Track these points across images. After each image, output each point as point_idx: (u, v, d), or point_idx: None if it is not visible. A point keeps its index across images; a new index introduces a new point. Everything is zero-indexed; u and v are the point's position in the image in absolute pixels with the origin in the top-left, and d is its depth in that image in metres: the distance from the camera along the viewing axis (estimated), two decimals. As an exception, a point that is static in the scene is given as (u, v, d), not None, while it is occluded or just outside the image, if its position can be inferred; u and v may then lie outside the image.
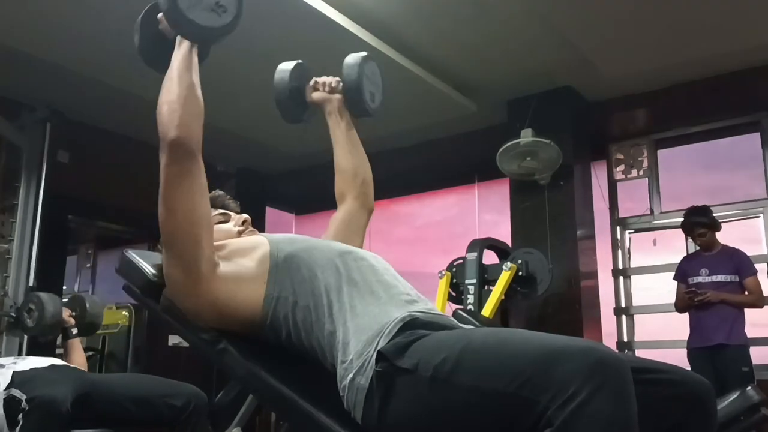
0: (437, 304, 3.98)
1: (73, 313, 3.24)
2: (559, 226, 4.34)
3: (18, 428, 2.19)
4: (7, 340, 3.87)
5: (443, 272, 4.09)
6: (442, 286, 4.06)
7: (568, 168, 4.36)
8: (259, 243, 1.47)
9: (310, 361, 1.37)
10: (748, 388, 1.86)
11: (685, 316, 4.02)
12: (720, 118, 4.53)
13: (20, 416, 2.20)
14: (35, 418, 2.19)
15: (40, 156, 4.13)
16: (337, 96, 1.86)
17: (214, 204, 1.66)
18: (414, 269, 5.21)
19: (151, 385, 2.55)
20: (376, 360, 1.20)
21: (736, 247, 3.98)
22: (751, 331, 3.85)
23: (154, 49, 1.62)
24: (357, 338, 1.26)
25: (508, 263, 3.86)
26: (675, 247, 4.54)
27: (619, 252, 4.83)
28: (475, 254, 3.99)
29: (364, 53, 1.85)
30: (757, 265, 3.93)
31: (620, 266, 4.80)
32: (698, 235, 3.98)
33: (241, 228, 1.62)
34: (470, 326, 1.45)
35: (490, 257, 4.17)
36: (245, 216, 1.66)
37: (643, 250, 4.81)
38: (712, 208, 4.05)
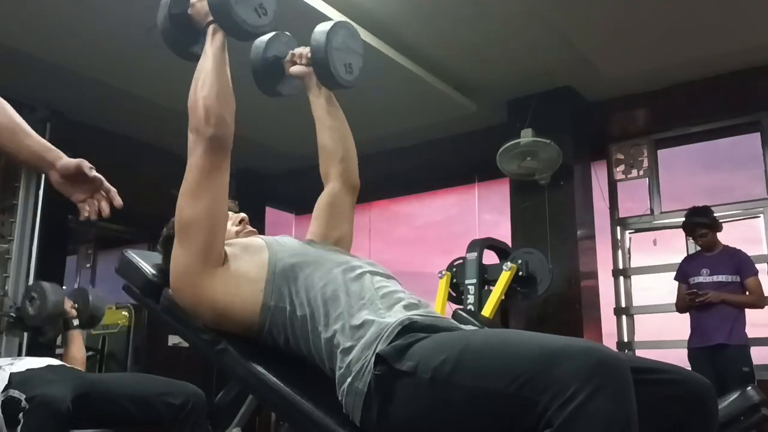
0: (437, 304, 3.98)
1: (75, 305, 3.24)
2: (559, 226, 4.34)
3: (19, 428, 2.19)
4: (7, 341, 3.86)
5: (443, 272, 4.09)
6: (442, 286, 4.06)
7: (568, 168, 4.36)
8: (260, 248, 1.46)
9: (310, 362, 1.37)
10: (749, 388, 1.86)
11: (685, 316, 4.01)
12: (720, 118, 4.53)
13: (21, 416, 2.19)
14: (36, 418, 2.18)
15: (40, 156, 4.12)
16: (310, 69, 1.77)
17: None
18: (414, 269, 5.20)
19: (150, 385, 2.54)
20: (375, 363, 1.19)
21: (737, 248, 3.98)
22: (751, 331, 3.84)
23: (176, 30, 1.61)
24: (355, 343, 1.26)
25: (508, 263, 3.86)
26: (675, 247, 4.53)
27: (619, 252, 4.83)
28: (475, 254, 3.98)
29: (333, 21, 1.79)
30: (757, 265, 3.93)
31: (620, 266, 4.80)
32: (699, 235, 3.98)
33: (239, 228, 1.62)
34: (470, 327, 1.45)
35: (490, 257, 4.17)
36: (243, 215, 1.66)
37: (643, 250, 4.81)
38: (712, 208, 4.05)
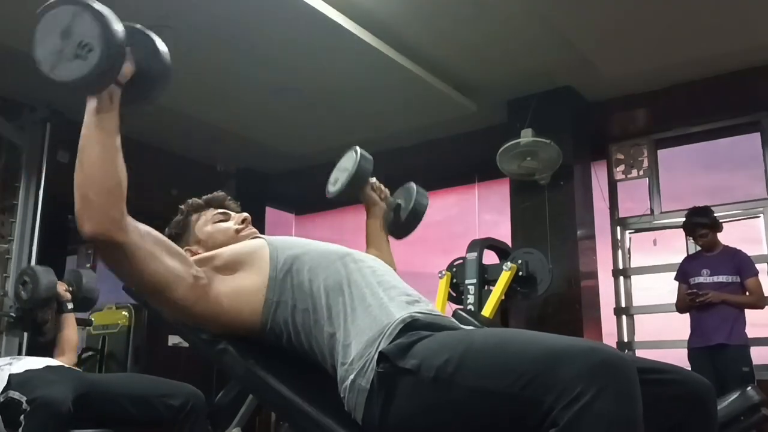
0: (437, 304, 3.97)
1: (70, 288, 3.21)
2: (559, 226, 4.34)
3: (20, 429, 2.19)
4: (7, 341, 3.87)
5: (443, 272, 4.09)
6: (442, 286, 4.05)
7: (568, 168, 4.36)
8: (258, 247, 1.45)
9: (311, 362, 1.37)
10: (748, 388, 1.86)
11: (685, 316, 4.01)
12: (720, 118, 4.52)
13: (22, 417, 2.19)
14: (37, 419, 2.18)
15: (40, 156, 4.13)
16: (383, 205, 1.95)
17: (214, 204, 1.65)
18: (414, 269, 5.20)
19: (149, 385, 2.54)
20: (378, 361, 1.19)
21: (738, 248, 3.98)
22: (751, 331, 3.84)
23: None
24: (358, 340, 1.25)
25: (508, 263, 3.86)
26: (675, 247, 4.53)
27: (619, 252, 4.82)
28: (475, 254, 3.98)
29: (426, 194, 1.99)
30: (757, 266, 3.93)
31: (620, 266, 4.80)
32: (700, 236, 3.98)
33: (241, 227, 1.61)
34: (471, 327, 1.45)
35: (490, 257, 4.16)
36: (245, 215, 1.65)
37: (643, 250, 4.81)
38: (712, 208, 4.05)
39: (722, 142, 4.64)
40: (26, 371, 2.39)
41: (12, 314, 3.69)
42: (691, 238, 4.19)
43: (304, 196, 6.13)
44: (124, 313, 4.98)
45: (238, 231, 1.59)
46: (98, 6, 1.18)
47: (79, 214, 1.18)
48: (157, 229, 1.36)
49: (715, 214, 4.03)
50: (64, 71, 1.16)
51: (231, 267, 1.40)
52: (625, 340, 4.64)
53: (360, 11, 3.61)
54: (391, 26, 3.78)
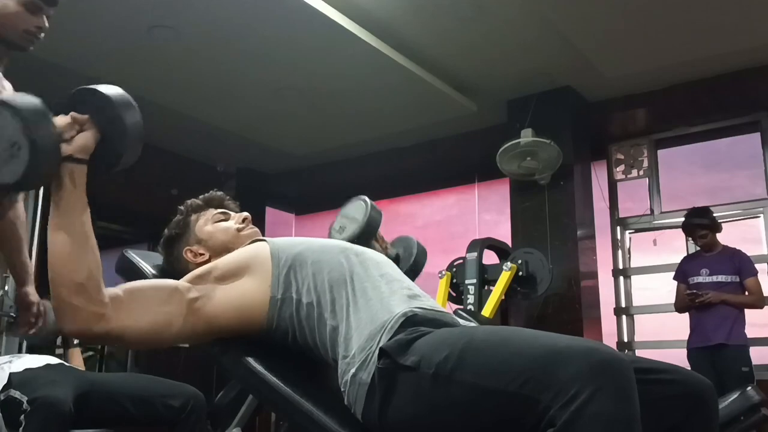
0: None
1: None
2: (559, 226, 4.34)
3: (21, 429, 2.18)
4: (7, 340, 3.86)
5: (443, 272, 4.09)
6: (442, 286, 4.05)
7: (568, 168, 4.36)
8: (257, 249, 1.44)
9: (312, 360, 1.37)
10: (748, 388, 1.86)
11: (685, 316, 4.02)
12: (720, 118, 4.53)
13: (22, 417, 2.19)
14: (38, 419, 2.18)
15: (40, 156, 4.12)
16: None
17: (214, 204, 1.65)
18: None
19: (150, 385, 2.54)
20: (378, 356, 1.20)
21: (737, 248, 3.98)
22: (751, 331, 3.85)
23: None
24: (359, 333, 1.26)
25: (508, 263, 3.86)
26: (675, 247, 4.53)
27: (619, 252, 4.83)
28: (475, 254, 3.98)
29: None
30: (757, 266, 3.93)
31: (620, 266, 4.80)
32: (699, 236, 3.98)
33: (242, 226, 1.61)
34: (472, 323, 1.45)
35: (490, 257, 4.16)
36: (245, 214, 1.65)
37: (643, 250, 4.81)
38: (712, 208, 4.05)
39: (722, 142, 4.65)
40: (26, 370, 2.39)
41: (12, 314, 3.68)
42: (690, 238, 4.19)
43: (304, 196, 6.13)
44: None
45: (239, 230, 1.59)
46: (19, 101, 1.11)
47: (57, 315, 1.14)
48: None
49: (715, 214, 4.03)
50: (6, 174, 1.10)
51: (232, 274, 1.39)
52: (625, 340, 4.65)
53: (360, 11, 3.61)
54: (391, 26, 3.78)
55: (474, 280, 3.91)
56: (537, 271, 3.89)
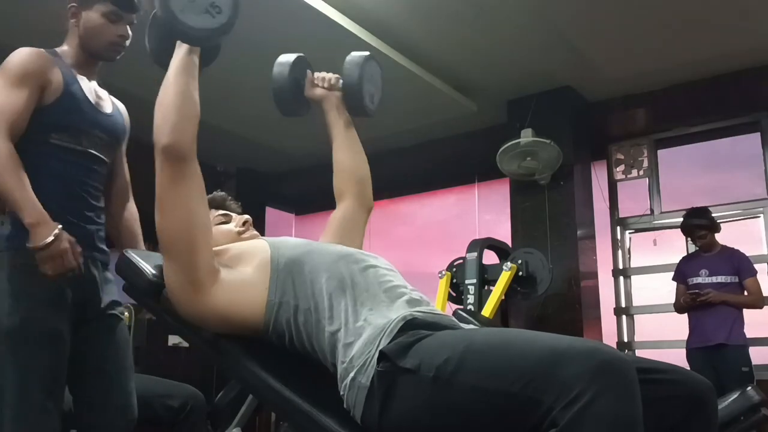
0: (437, 304, 3.98)
1: None
2: (559, 226, 4.34)
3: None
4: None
5: (443, 272, 4.09)
6: (442, 286, 4.05)
7: (568, 168, 4.36)
8: (260, 248, 1.46)
9: (311, 362, 1.37)
10: (748, 388, 1.86)
11: (685, 316, 4.01)
12: (720, 118, 4.52)
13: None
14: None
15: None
16: (336, 93, 1.81)
17: (215, 205, 1.65)
18: (414, 269, 5.20)
19: (149, 385, 2.53)
20: (378, 360, 1.19)
21: (736, 248, 3.98)
22: (750, 331, 3.84)
23: (165, 52, 1.57)
24: (358, 338, 1.26)
25: (508, 263, 3.86)
26: (675, 247, 4.53)
27: (619, 252, 4.83)
28: (475, 254, 3.98)
29: (367, 53, 1.82)
30: (757, 266, 3.93)
31: (620, 266, 4.80)
32: (698, 237, 3.98)
33: (242, 229, 1.61)
34: (472, 326, 1.45)
35: (490, 257, 4.17)
36: (246, 217, 1.65)
37: (643, 250, 4.81)
38: (711, 209, 4.05)
39: (722, 142, 4.64)
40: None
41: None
42: (690, 239, 4.19)
43: (304, 196, 6.13)
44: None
45: (239, 233, 1.60)
46: None
47: (158, 129, 1.38)
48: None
49: (715, 215, 4.03)
50: (191, 19, 1.42)
51: (237, 260, 1.45)
52: (625, 340, 4.64)
53: (360, 11, 3.61)
54: (391, 26, 3.78)
55: (474, 280, 3.91)
56: (537, 271, 3.89)
